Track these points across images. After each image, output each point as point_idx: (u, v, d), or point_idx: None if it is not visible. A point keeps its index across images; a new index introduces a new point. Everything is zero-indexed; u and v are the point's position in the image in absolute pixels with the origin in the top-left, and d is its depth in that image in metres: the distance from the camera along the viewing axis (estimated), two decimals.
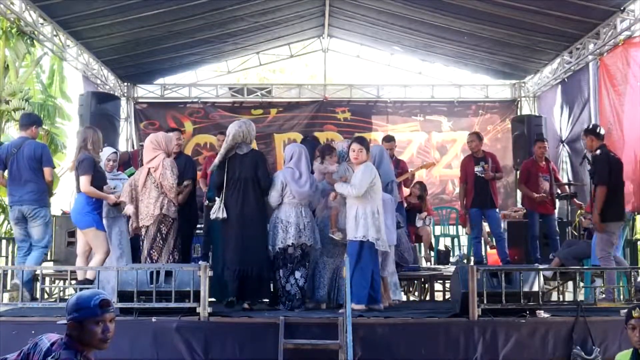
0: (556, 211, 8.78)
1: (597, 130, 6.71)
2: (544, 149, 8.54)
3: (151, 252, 5.95)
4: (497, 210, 8.59)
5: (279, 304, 5.88)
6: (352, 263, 5.47)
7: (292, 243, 5.83)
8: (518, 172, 11.11)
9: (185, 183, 6.51)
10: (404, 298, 8.15)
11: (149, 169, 6.02)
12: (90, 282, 5.87)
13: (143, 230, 6.01)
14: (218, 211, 5.93)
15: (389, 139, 8.53)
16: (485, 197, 8.25)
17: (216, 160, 6.12)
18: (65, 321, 2.71)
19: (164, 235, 5.97)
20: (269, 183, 6.01)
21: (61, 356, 2.62)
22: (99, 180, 6.14)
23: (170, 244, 5.98)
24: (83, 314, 2.69)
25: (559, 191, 8.74)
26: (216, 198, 6.07)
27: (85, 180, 5.99)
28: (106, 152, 6.78)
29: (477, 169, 8.29)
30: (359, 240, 5.65)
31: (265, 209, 6.07)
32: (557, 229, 8.50)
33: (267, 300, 6.22)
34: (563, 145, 10.50)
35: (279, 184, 5.94)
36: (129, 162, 8.29)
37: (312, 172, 6.32)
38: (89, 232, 6.09)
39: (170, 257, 5.95)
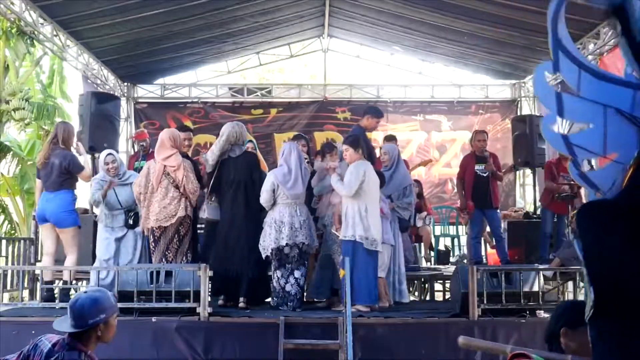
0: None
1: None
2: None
3: (167, 252, 5.89)
4: (498, 210, 8.50)
5: (282, 305, 5.81)
6: (349, 263, 5.40)
7: (287, 243, 5.79)
8: (517, 172, 11.20)
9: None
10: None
11: (165, 166, 5.88)
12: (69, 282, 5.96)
13: (157, 232, 5.87)
14: (210, 212, 5.97)
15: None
16: (484, 197, 8.11)
17: (211, 161, 6.07)
18: (87, 327, 2.70)
19: (181, 237, 5.94)
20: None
21: (65, 357, 2.62)
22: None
23: (185, 246, 5.96)
24: (110, 312, 2.77)
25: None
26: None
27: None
28: (103, 157, 6.37)
29: (477, 167, 8.14)
30: (351, 240, 5.58)
31: (258, 211, 6.05)
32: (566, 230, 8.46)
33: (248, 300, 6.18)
34: None
35: (270, 185, 5.89)
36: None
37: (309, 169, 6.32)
38: (71, 231, 6.06)
39: (184, 259, 5.92)
